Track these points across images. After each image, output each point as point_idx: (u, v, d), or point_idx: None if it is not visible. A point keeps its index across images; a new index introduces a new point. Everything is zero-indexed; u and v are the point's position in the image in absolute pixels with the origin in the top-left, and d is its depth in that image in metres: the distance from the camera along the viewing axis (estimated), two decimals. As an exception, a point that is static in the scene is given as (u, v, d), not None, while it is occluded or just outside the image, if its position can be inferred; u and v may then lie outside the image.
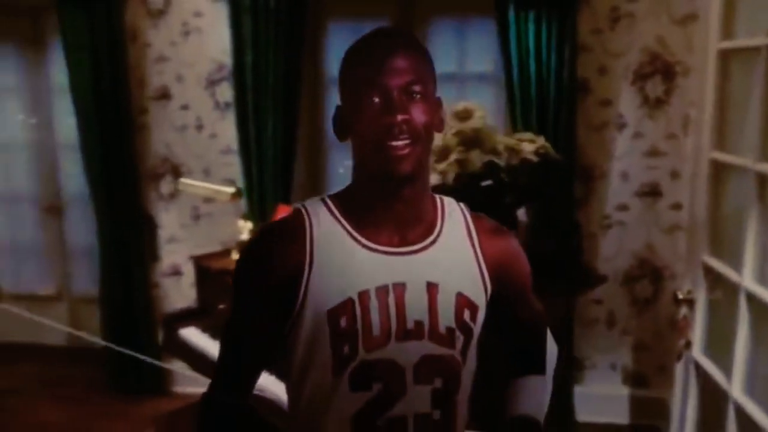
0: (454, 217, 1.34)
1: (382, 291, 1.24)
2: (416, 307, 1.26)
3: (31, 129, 4.53)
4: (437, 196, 1.36)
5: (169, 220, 3.97)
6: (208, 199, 3.83)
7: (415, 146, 1.21)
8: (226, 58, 3.68)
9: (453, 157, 2.31)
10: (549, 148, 2.59)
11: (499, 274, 1.34)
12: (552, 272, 2.75)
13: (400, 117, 1.19)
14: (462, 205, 1.39)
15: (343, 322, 1.23)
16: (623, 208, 3.51)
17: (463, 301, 1.29)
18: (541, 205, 3.07)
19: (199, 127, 3.83)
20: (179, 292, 4.01)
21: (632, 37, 3.38)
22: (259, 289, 1.28)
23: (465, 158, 2.30)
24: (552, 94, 3.35)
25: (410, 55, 1.22)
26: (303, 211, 1.30)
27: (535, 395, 1.46)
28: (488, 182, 2.44)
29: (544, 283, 2.69)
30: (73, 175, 4.49)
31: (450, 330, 1.28)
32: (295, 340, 1.27)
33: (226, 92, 3.75)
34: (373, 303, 1.23)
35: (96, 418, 3.79)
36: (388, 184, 1.24)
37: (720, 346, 2.37)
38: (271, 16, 3.50)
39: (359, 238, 1.26)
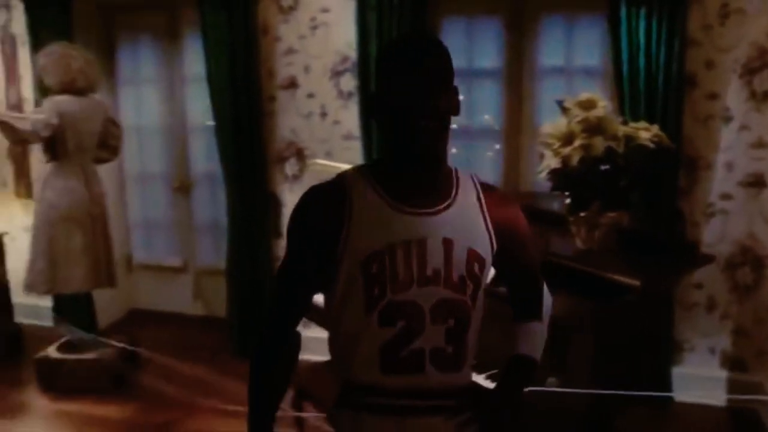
0: (467, 186, 1.61)
1: (407, 244, 1.50)
2: (435, 258, 1.52)
3: (164, 115, 4.97)
4: (453, 168, 1.63)
5: (292, 200, 4.27)
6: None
7: (436, 125, 1.49)
8: (351, 50, 3.99)
9: (577, 142, 2.53)
10: (663, 136, 2.78)
11: (503, 234, 1.61)
12: (658, 253, 2.94)
13: (425, 102, 1.46)
14: (473, 175, 1.66)
15: (374, 268, 1.49)
16: (727, 197, 3.63)
17: (473, 256, 1.56)
18: (649, 190, 3.26)
19: (323, 114, 4.17)
20: (299, 267, 4.35)
21: (741, 32, 3.48)
22: (306, 238, 1.56)
23: (588, 144, 2.52)
24: (660, 88, 3.49)
25: (434, 54, 1.50)
26: (344, 177, 1.58)
27: (534, 338, 1.75)
28: (606, 166, 2.65)
29: (651, 263, 2.89)
30: (200, 158, 4.92)
31: (462, 278, 1.54)
32: (335, 284, 1.54)
33: (349, 82, 4.06)
34: (400, 254, 1.50)
35: (223, 378, 4.16)
36: (413, 156, 1.52)
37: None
38: (395, 12, 3.77)
39: (389, 200, 1.53)
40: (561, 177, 2.79)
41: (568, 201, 2.83)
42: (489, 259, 1.59)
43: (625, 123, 2.81)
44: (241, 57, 4.10)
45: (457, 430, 1.61)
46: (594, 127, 2.56)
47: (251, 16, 4.08)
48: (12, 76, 4.80)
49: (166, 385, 4.17)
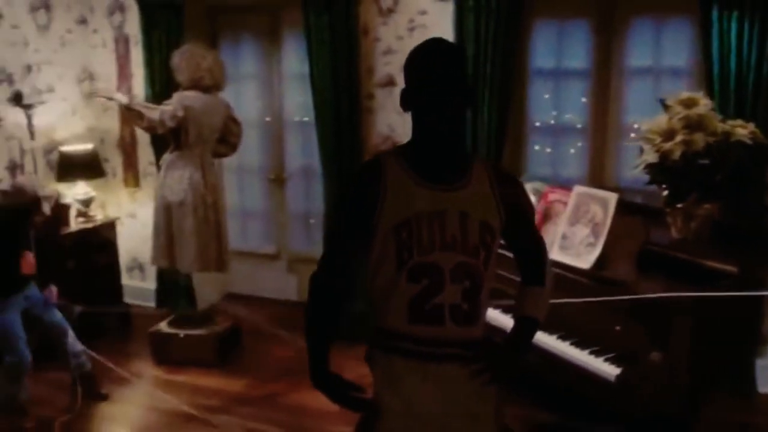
0: (480, 169, 1.90)
1: (430, 214, 1.80)
2: (452, 227, 1.81)
3: (262, 110, 5.27)
4: (468, 153, 2.00)
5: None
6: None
7: (454, 118, 1.78)
8: (447, 51, 4.20)
9: (679, 138, 2.71)
10: (758, 134, 2.93)
11: (509, 206, 1.90)
12: (751, 242, 3.08)
13: (447, 96, 1.75)
14: (485, 160, 2.02)
15: (403, 234, 1.80)
16: (815, 195, 3.72)
17: (485, 227, 1.85)
18: (740, 185, 3.39)
19: (419, 111, 4.39)
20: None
21: (834, 33, 3.57)
22: (350, 207, 1.88)
23: (690, 139, 2.69)
24: (750, 88, 3.58)
25: (453, 56, 1.79)
26: (380, 157, 1.91)
27: (538, 301, 2.03)
28: (705, 161, 2.82)
29: (747, 251, 3.02)
30: (295, 151, 5.21)
31: (476, 246, 1.83)
32: (372, 246, 1.83)
33: (444, 81, 4.28)
34: (423, 223, 1.80)
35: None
36: (435, 142, 1.81)
37: None
38: (491, 15, 3.97)
39: (415, 177, 1.83)
40: (658, 171, 2.97)
41: (665, 193, 3.00)
42: (498, 229, 1.88)
43: (723, 120, 2.97)
44: (342, 57, 4.36)
45: (472, 376, 1.89)
46: (695, 124, 2.73)
47: (352, 18, 4.33)
48: (124, 73, 5.18)
49: (268, 361, 4.47)
